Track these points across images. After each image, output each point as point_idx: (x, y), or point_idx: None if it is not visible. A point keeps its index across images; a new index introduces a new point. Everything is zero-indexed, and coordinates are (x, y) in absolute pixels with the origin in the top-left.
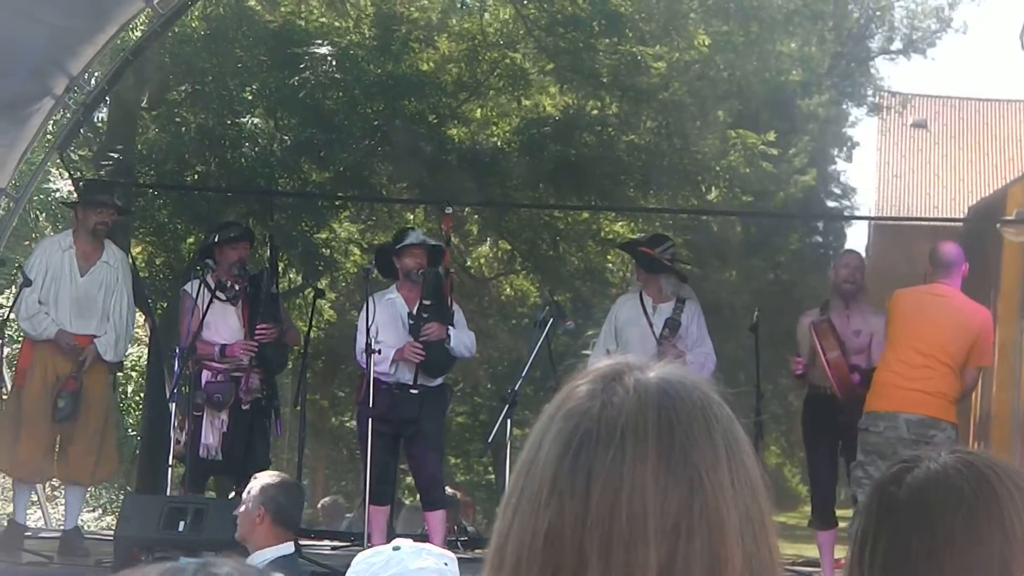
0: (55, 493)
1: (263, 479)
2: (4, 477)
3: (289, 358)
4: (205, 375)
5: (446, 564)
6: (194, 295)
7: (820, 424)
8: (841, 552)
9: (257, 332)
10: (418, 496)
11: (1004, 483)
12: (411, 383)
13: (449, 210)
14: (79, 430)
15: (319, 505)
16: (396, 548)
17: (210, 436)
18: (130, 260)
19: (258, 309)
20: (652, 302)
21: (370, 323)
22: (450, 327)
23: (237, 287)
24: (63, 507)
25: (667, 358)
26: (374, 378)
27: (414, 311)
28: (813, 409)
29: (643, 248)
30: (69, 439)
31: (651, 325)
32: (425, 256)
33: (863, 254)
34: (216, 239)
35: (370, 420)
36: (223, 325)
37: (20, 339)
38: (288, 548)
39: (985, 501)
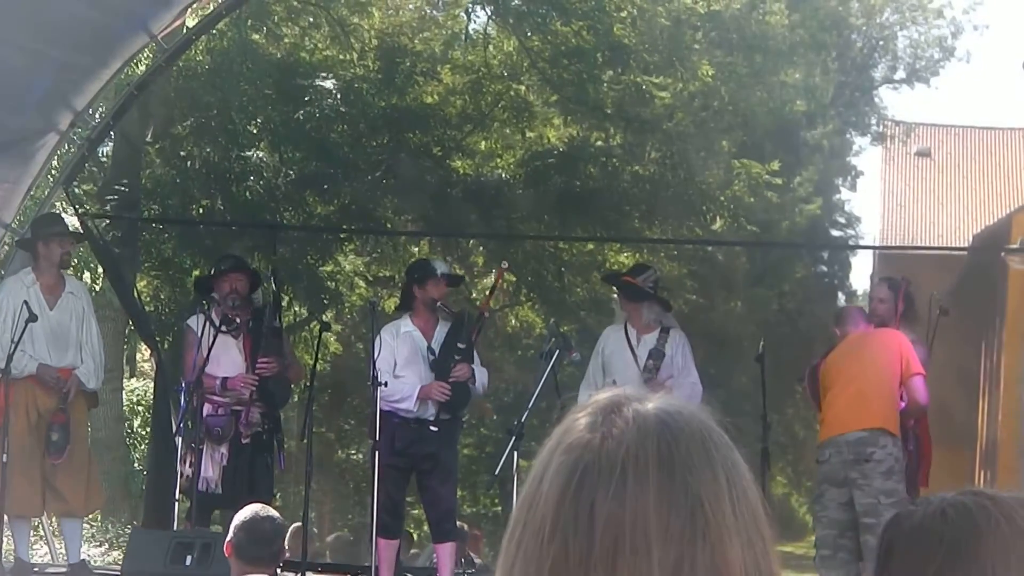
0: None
1: (240, 512)
2: None
3: (293, 393)
4: (206, 408)
5: None
6: (197, 329)
7: None
8: None
9: (258, 366)
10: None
11: (995, 528)
12: (432, 419)
13: (505, 265)
14: (66, 463)
15: (327, 541)
16: None
17: (210, 469)
18: (135, 294)
19: (260, 343)
20: (636, 333)
21: (377, 356)
22: (473, 367)
23: (238, 320)
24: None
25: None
26: (390, 412)
27: (432, 344)
28: None
29: (625, 277)
30: (56, 473)
31: (635, 356)
32: (446, 287)
33: (871, 283)
34: (212, 272)
35: (376, 453)
36: (225, 358)
37: None
38: None
39: (966, 548)
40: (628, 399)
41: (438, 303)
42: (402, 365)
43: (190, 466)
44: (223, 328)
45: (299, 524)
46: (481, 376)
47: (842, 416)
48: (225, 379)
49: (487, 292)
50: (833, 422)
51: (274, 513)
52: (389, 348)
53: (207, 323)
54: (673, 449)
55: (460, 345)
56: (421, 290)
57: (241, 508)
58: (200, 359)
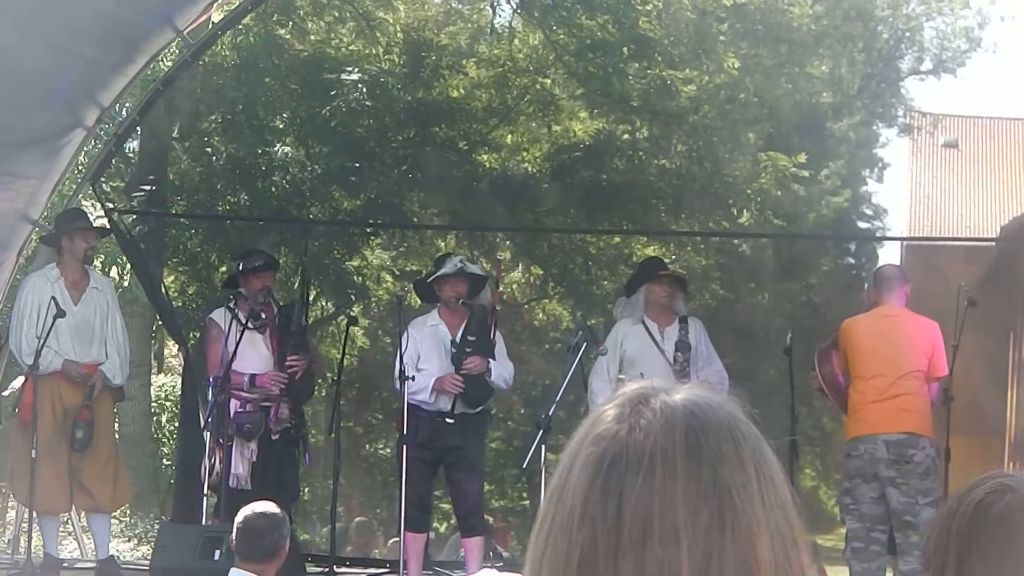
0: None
1: (242, 510)
2: (24, 509)
3: (320, 387)
4: (234, 405)
5: None
6: (222, 324)
7: None
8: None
9: (288, 364)
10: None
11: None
12: (448, 412)
13: (501, 256)
14: (92, 458)
15: (351, 526)
16: None
17: (240, 466)
18: (163, 289)
19: (288, 341)
20: (658, 327)
21: (403, 350)
22: (491, 360)
23: (264, 315)
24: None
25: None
26: (416, 405)
27: (457, 339)
28: None
29: (667, 272)
30: (83, 469)
31: (662, 351)
32: (463, 283)
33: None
34: (241, 268)
35: (404, 447)
36: (252, 354)
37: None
38: None
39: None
40: (656, 390)
41: (458, 300)
42: (424, 358)
43: (219, 462)
44: (250, 324)
45: (364, 519)
46: (501, 370)
47: (881, 415)
48: (253, 376)
49: (494, 285)
50: (872, 420)
51: (271, 509)
52: (414, 342)
53: (233, 319)
54: (701, 440)
55: (470, 338)
56: (438, 288)
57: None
58: (228, 355)
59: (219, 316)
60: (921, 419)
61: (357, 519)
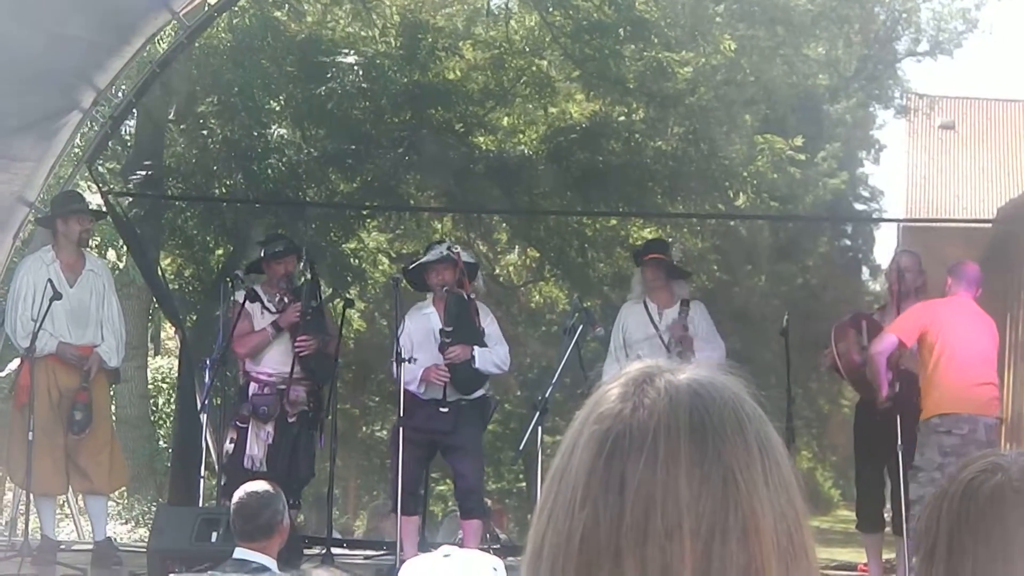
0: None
1: (237, 491)
2: (21, 491)
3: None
4: (252, 387)
5: (495, 569)
6: (243, 303)
7: (869, 429)
8: (888, 554)
9: (297, 344)
10: (452, 505)
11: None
12: (440, 400)
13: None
14: (89, 440)
15: (368, 509)
16: (446, 555)
17: (255, 448)
18: (159, 272)
19: (301, 324)
20: (658, 308)
21: (399, 334)
22: (475, 347)
23: (287, 300)
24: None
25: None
26: (412, 390)
27: (444, 327)
28: (862, 414)
29: (655, 255)
30: (79, 451)
31: (658, 331)
32: (449, 270)
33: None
34: (263, 254)
35: (400, 430)
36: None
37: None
38: (255, 557)
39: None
40: (660, 370)
41: (443, 287)
42: (416, 347)
43: (231, 442)
44: (268, 306)
45: (380, 502)
46: (489, 355)
47: (983, 399)
48: (274, 322)
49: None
50: (976, 401)
51: (263, 487)
52: (408, 332)
53: (257, 300)
54: (705, 419)
55: (447, 329)
56: (425, 275)
57: (281, 486)
58: (229, 331)
59: (241, 298)
60: (1000, 407)
61: (374, 503)
